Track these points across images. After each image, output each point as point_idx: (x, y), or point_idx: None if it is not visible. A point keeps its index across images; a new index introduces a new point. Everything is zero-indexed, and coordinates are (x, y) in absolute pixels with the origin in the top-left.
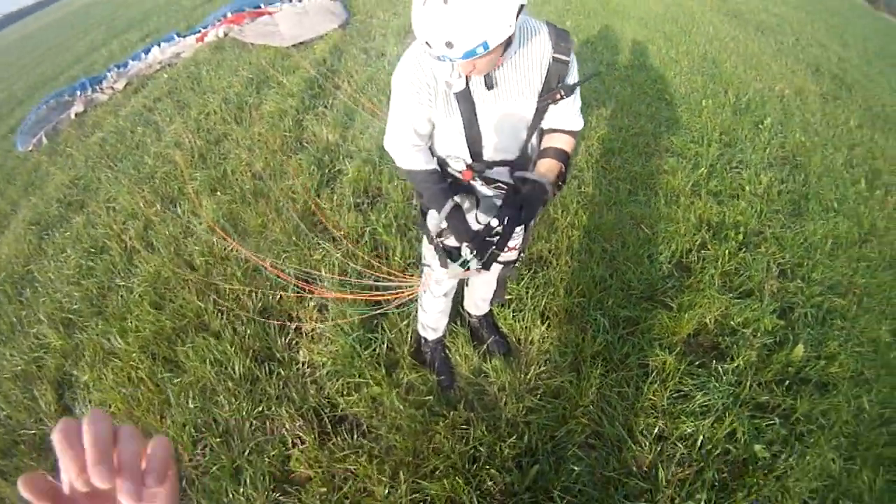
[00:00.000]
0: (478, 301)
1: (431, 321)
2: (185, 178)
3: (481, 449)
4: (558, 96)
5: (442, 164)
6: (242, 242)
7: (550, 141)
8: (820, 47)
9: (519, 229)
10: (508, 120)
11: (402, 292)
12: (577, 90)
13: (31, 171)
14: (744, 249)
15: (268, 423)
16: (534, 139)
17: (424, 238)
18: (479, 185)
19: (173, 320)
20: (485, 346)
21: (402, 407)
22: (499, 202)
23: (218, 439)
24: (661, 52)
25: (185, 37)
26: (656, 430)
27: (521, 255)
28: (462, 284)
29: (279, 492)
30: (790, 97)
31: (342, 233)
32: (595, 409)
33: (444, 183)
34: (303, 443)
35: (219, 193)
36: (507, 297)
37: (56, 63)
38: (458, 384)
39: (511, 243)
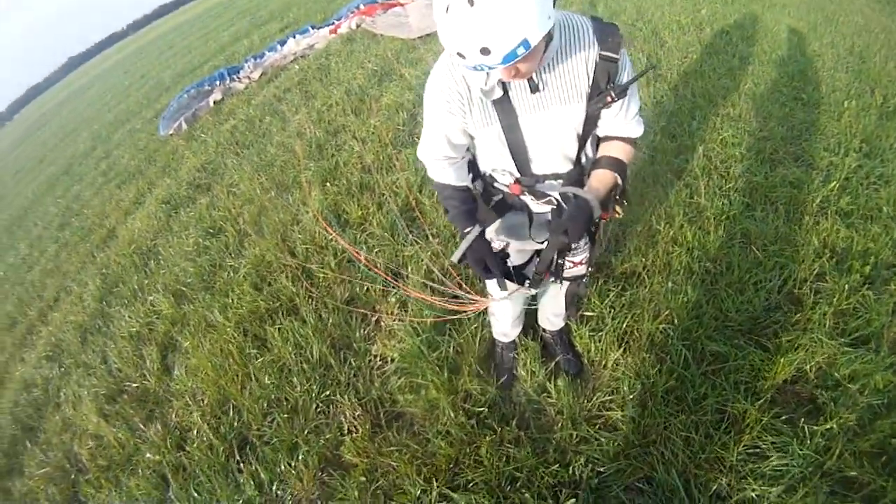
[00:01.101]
0: (549, 316)
1: (500, 327)
2: (300, 167)
3: (522, 472)
4: (609, 99)
5: (489, 179)
6: (342, 234)
7: (605, 150)
8: None
9: (583, 241)
10: (554, 128)
11: (477, 302)
12: (633, 92)
13: (170, 154)
14: (868, 285)
15: (331, 408)
16: (589, 149)
17: None
18: (529, 201)
19: (268, 301)
20: (553, 363)
21: (453, 414)
22: (544, 234)
23: (285, 415)
24: (803, 44)
25: (319, 28)
26: (715, 487)
27: (590, 269)
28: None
29: (326, 473)
30: None
31: (434, 231)
32: (654, 451)
33: (473, 205)
34: (357, 431)
35: (328, 185)
36: (589, 314)
37: (202, 52)
38: (516, 398)
39: (576, 258)
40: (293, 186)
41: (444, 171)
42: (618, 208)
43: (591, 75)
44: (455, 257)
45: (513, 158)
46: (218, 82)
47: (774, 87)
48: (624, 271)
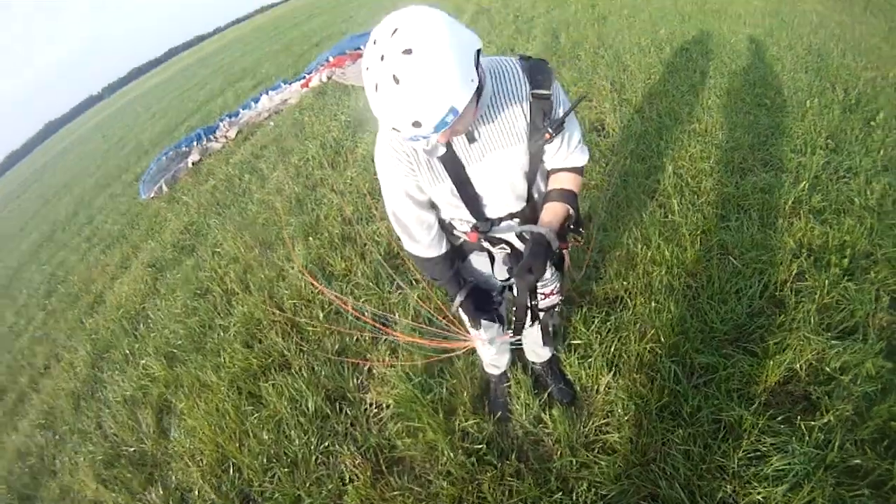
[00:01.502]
0: (534, 348)
1: (489, 360)
2: (282, 223)
3: (526, 503)
4: (547, 135)
5: (448, 227)
6: (328, 286)
7: (553, 182)
8: None
9: (549, 273)
10: (501, 171)
11: (467, 339)
12: (572, 122)
13: (152, 217)
14: (848, 277)
15: (331, 459)
16: (540, 183)
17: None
18: (487, 246)
19: (260, 358)
20: (546, 394)
21: (452, 455)
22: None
23: (285, 469)
24: (761, 50)
25: (290, 83)
26: (721, 494)
27: (561, 297)
28: None
29: None
30: None
31: (417, 277)
32: (655, 468)
33: (455, 268)
34: (358, 479)
35: (311, 239)
36: (577, 342)
37: (178, 112)
38: (513, 432)
39: (545, 289)
40: (276, 242)
41: (427, 243)
42: (574, 237)
43: (528, 115)
44: (454, 308)
45: (467, 207)
46: (195, 143)
47: (737, 97)
48: (606, 296)
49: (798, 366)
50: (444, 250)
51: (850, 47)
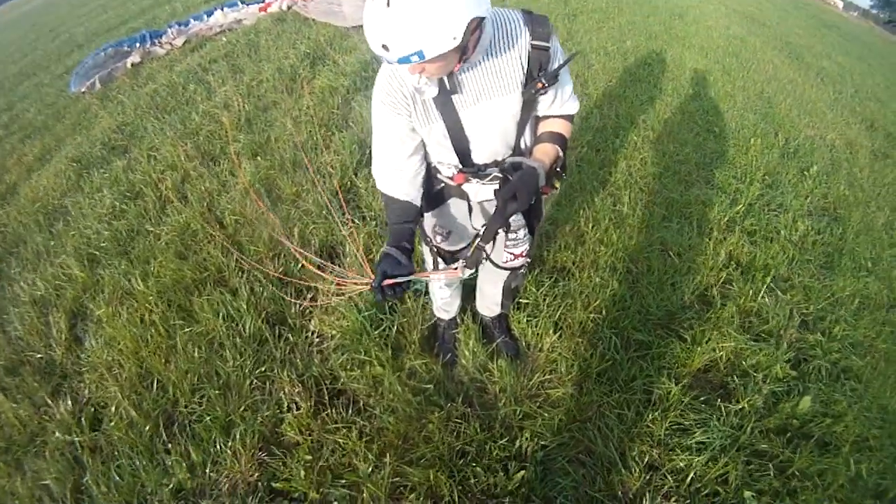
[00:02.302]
0: (489, 304)
1: (441, 304)
2: (228, 138)
3: (471, 446)
4: (540, 85)
5: (433, 171)
6: (275, 208)
7: (545, 126)
8: (878, 102)
9: (523, 233)
10: (494, 118)
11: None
12: (566, 75)
13: (81, 113)
14: (769, 293)
15: (268, 385)
16: (527, 134)
17: (423, 241)
18: (473, 185)
19: (194, 272)
20: (493, 346)
21: (400, 390)
22: (492, 209)
23: (216, 391)
24: (718, 84)
25: (248, 4)
26: (648, 458)
27: (528, 261)
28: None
29: (266, 452)
30: (840, 148)
31: (371, 215)
32: (591, 426)
33: (406, 224)
34: (298, 409)
35: (259, 158)
36: (525, 301)
37: (120, 13)
38: (460, 377)
39: (516, 250)
40: (220, 156)
41: (393, 182)
42: (556, 183)
43: (525, 65)
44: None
45: (455, 151)
46: (138, 44)
47: (690, 118)
48: (555, 265)
49: (720, 356)
50: (408, 198)
51: (797, 104)
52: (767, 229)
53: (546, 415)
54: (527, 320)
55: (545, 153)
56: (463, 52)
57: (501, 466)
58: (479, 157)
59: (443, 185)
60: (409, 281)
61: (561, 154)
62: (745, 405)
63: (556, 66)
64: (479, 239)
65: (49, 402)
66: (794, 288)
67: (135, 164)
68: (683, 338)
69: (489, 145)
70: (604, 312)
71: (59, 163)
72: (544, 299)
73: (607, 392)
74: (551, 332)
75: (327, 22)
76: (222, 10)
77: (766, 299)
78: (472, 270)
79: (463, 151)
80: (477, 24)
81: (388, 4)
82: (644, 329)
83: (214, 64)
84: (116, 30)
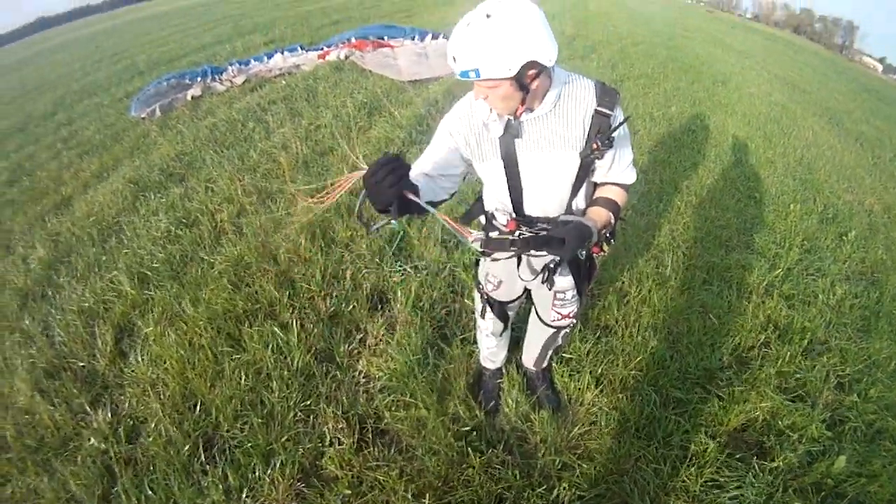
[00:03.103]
0: (533, 357)
1: (487, 353)
2: (286, 178)
3: (510, 492)
4: (595, 146)
5: (490, 217)
6: (329, 251)
7: (600, 192)
8: None
9: (571, 294)
10: (550, 170)
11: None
12: (626, 143)
13: (140, 137)
14: (806, 355)
15: (311, 418)
16: (580, 199)
17: (476, 287)
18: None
19: (246, 303)
20: (535, 397)
21: (443, 433)
22: (540, 265)
23: (260, 420)
24: (759, 150)
25: (308, 51)
26: None
27: (573, 322)
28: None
29: (305, 483)
30: (878, 213)
31: (423, 264)
32: (628, 479)
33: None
34: (340, 444)
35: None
36: (569, 356)
37: (181, 46)
38: (502, 425)
39: (564, 310)
40: (277, 195)
41: (415, 171)
42: (605, 247)
43: (587, 128)
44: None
45: (509, 194)
46: (199, 78)
47: (731, 185)
48: (599, 323)
49: (756, 416)
50: (412, 176)
51: (836, 170)
52: (805, 293)
53: (584, 466)
54: (569, 375)
55: (598, 215)
56: (524, 90)
57: None
58: (530, 208)
59: (498, 232)
60: (402, 194)
61: (613, 220)
62: (781, 463)
63: (615, 134)
64: (511, 237)
65: (88, 409)
66: (830, 350)
67: (192, 192)
68: (721, 396)
69: (542, 196)
70: (644, 370)
71: (116, 182)
72: (587, 355)
73: (645, 446)
74: (593, 386)
75: (383, 74)
76: (282, 53)
77: (803, 361)
78: (484, 250)
79: (517, 196)
80: (538, 72)
81: (468, 25)
82: (683, 387)
83: (273, 105)
84: (177, 61)
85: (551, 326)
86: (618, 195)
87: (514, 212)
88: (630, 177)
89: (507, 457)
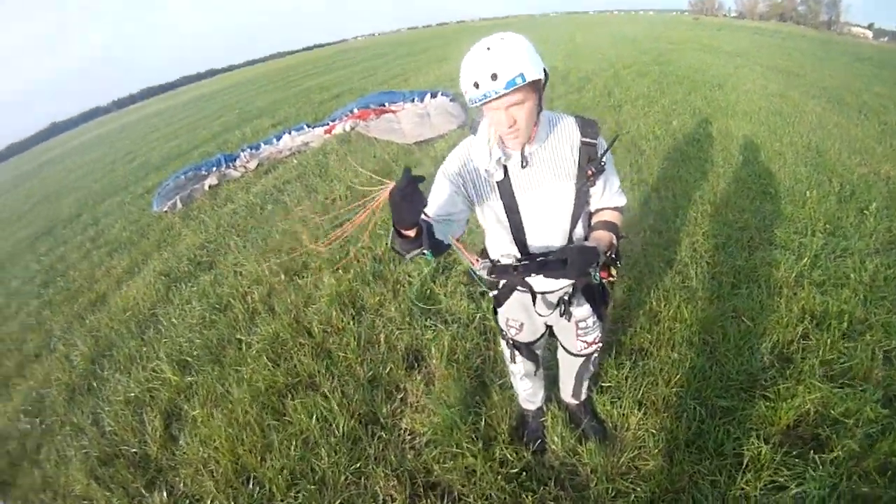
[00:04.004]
0: (569, 391)
1: (525, 395)
2: (310, 253)
3: None
4: (590, 173)
5: (495, 262)
6: (359, 318)
7: (597, 217)
8: None
9: (592, 321)
10: (548, 204)
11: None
12: (612, 170)
13: (164, 230)
14: (847, 338)
15: (363, 480)
16: (579, 229)
17: (500, 335)
18: (533, 278)
19: (286, 377)
20: (580, 430)
21: (492, 478)
22: (555, 299)
23: (312, 486)
24: (766, 145)
25: (314, 128)
26: None
27: (599, 346)
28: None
29: None
30: (895, 179)
31: (452, 318)
32: (685, 496)
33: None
34: (393, 500)
35: (340, 272)
36: (607, 384)
37: (191, 139)
38: (550, 462)
39: (588, 338)
40: (303, 271)
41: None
42: (613, 270)
43: (576, 159)
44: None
45: (512, 234)
46: (214, 168)
47: (744, 185)
48: (633, 347)
49: (807, 409)
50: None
51: (846, 146)
52: (836, 276)
53: (638, 490)
54: (611, 402)
55: (600, 238)
56: (539, 106)
57: None
58: (534, 244)
59: (503, 282)
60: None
61: (614, 241)
62: (840, 452)
63: (602, 160)
64: (517, 263)
65: (143, 492)
66: (872, 328)
67: (221, 278)
68: (767, 397)
69: (544, 231)
70: (685, 385)
71: (148, 275)
72: (626, 380)
73: (697, 460)
74: (636, 410)
75: (389, 139)
76: (290, 133)
77: (846, 345)
78: (490, 277)
79: (519, 236)
80: (544, 85)
81: (488, 49)
82: (727, 395)
83: (288, 185)
84: (189, 154)
85: (580, 356)
86: (614, 217)
87: (519, 252)
88: (622, 199)
89: (560, 492)
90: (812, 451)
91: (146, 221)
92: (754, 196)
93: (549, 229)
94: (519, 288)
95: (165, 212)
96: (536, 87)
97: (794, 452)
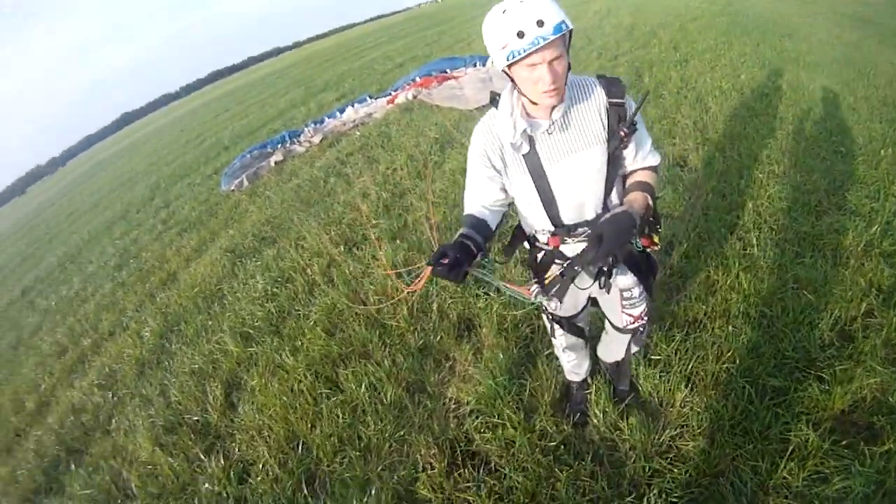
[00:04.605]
0: (609, 354)
1: (570, 367)
2: (368, 224)
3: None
4: (623, 134)
5: (532, 241)
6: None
7: (631, 179)
8: None
9: (638, 292)
10: (580, 173)
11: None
12: (643, 131)
13: (232, 208)
14: None
15: (405, 447)
16: (614, 196)
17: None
18: (569, 248)
19: (340, 346)
20: (623, 405)
21: (530, 450)
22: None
23: (357, 453)
24: (838, 99)
25: (376, 98)
26: None
27: (645, 321)
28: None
29: None
30: None
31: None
32: (724, 480)
33: (474, 232)
34: (432, 468)
35: (398, 241)
36: (657, 357)
37: (259, 116)
38: (590, 436)
39: (634, 311)
40: (362, 242)
41: (474, 207)
42: (655, 237)
43: (605, 121)
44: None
45: (544, 209)
46: (280, 145)
47: (814, 143)
48: (687, 318)
49: (864, 395)
50: (484, 217)
51: None
52: None
53: (676, 470)
54: (658, 376)
55: (633, 200)
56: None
57: None
58: (567, 216)
59: (544, 252)
60: (466, 270)
61: (650, 201)
62: (893, 445)
63: (632, 116)
64: (561, 269)
65: (202, 457)
66: None
67: (283, 252)
68: (822, 378)
69: (576, 201)
70: (737, 361)
71: (214, 253)
72: (676, 354)
73: (741, 444)
74: (683, 386)
75: (452, 106)
76: (353, 106)
77: None
78: (546, 298)
79: (551, 210)
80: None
81: (521, 2)
82: (780, 374)
83: (351, 157)
84: (258, 131)
85: (626, 331)
86: (649, 177)
87: (554, 225)
88: (655, 158)
89: (596, 468)
90: (863, 443)
91: (215, 201)
92: (825, 155)
93: (582, 199)
94: (556, 261)
95: (233, 190)
96: (566, 41)
97: (844, 442)
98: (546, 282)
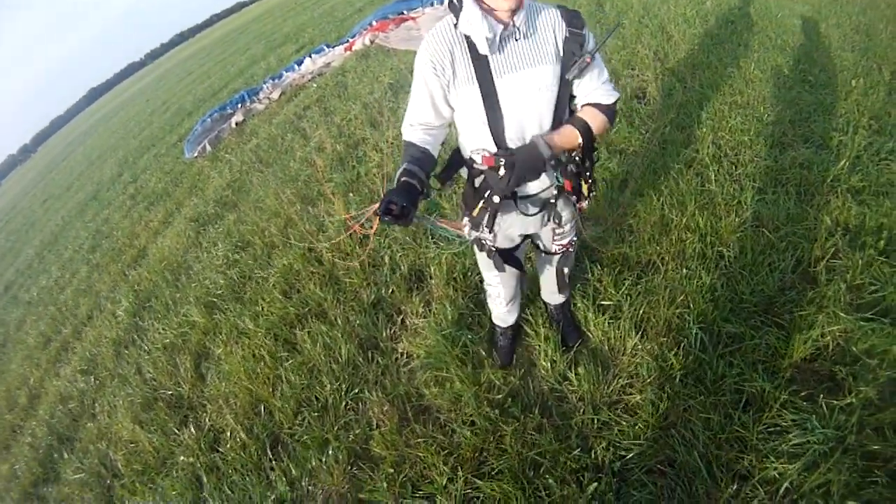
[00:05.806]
0: (550, 290)
1: (498, 314)
2: (322, 180)
3: (545, 457)
4: (588, 60)
5: (470, 162)
6: (366, 241)
7: (577, 113)
8: None
9: (569, 227)
10: (528, 90)
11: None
12: (600, 61)
13: (196, 175)
14: (883, 259)
15: (360, 405)
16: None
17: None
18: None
19: (297, 308)
20: (571, 353)
21: (477, 405)
22: (535, 208)
23: (315, 414)
24: (808, 27)
25: (334, 47)
26: (738, 466)
27: (574, 242)
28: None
29: (355, 467)
30: None
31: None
32: (675, 433)
33: (418, 166)
34: (385, 425)
35: (351, 195)
36: (607, 303)
37: (221, 77)
38: (538, 387)
39: (563, 241)
40: (317, 198)
41: (416, 133)
42: (583, 183)
43: (560, 45)
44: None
45: (488, 124)
46: (239, 104)
47: (780, 72)
48: (639, 260)
49: (825, 343)
50: (426, 146)
51: None
52: (878, 183)
53: (624, 423)
54: (608, 323)
55: (562, 133)
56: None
57: (575, 478)
58: (511, 137)
59: (483, 177)
60: (413, 215)
61: (580, 140)
62: (854, 399)
63: (591, 47)
64: (483, 203)
65: (177, 430)
66: None
67: (244, 216)
68: (781, 324)
69: (522, 121)
70: (691, 306)
71: (180, 224)
72: (626, 299)
73: (692, 395)
74: (633, 333)
75: (408, 49)
76: (311, 57)
77: (882, 268)
78: (479, 232)
79: (496, 125)
80: None
81: None
82: (736, 320)
83: (308, 111)
84: (220, 93)
85: (553, 253)
86: (592, 116)
87: (496, 145)
88: (609, 96)
89: (544, 420)
90: (823, 395)
91: (179, 170)
92: (791, 85)
93: (527, 120)
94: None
95: (196, 157)
96: None
97: (804, 393)
98: (474, 213)
